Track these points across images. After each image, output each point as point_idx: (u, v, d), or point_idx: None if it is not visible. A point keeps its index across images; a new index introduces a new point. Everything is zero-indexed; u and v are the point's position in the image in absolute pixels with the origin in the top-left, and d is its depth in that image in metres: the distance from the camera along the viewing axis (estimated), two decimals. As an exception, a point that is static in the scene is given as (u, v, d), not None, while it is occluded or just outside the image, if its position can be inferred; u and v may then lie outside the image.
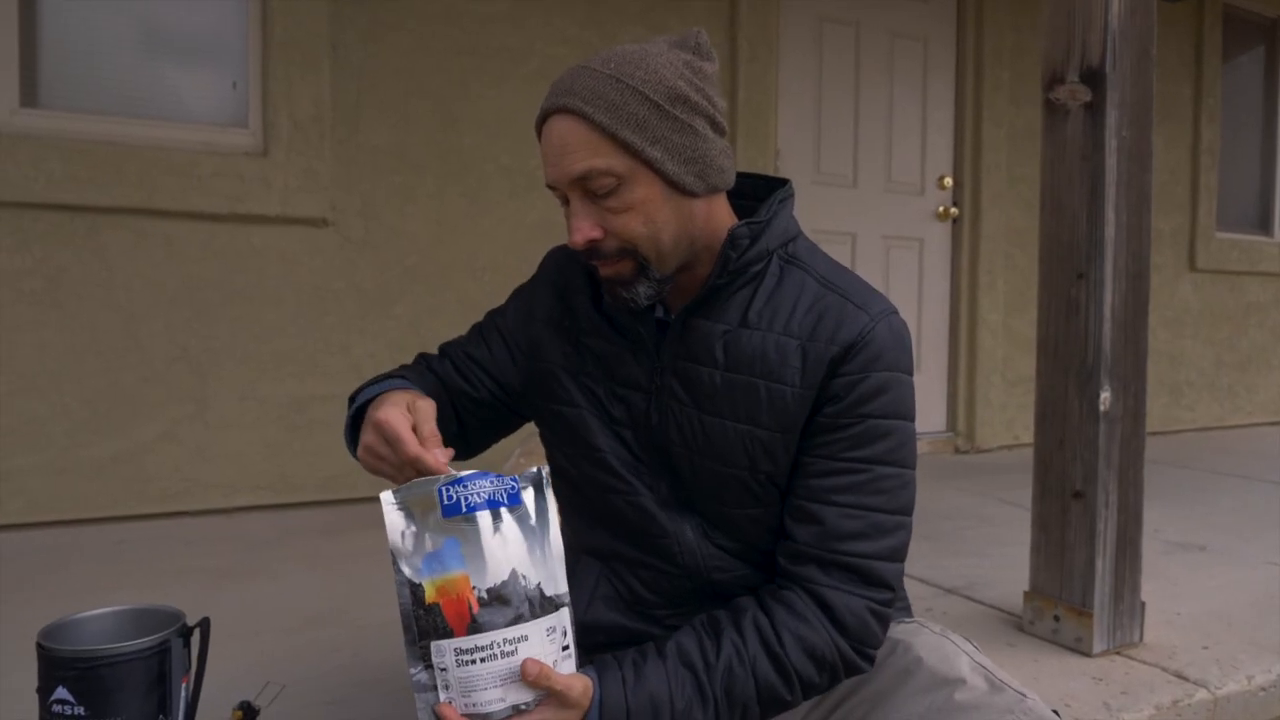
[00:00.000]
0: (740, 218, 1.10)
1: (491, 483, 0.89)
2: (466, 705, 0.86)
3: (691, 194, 1.02)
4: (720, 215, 1.08)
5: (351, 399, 1.12)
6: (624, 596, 1.15)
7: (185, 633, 1.16)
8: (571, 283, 1.18)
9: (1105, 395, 1.85)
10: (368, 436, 0.96)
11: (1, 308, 2.69)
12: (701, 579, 1.11)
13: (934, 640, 1.09)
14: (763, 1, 3.74)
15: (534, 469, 0.94)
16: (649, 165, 0.98)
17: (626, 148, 0.97)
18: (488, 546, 0.86)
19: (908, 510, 1.05)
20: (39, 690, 1.09)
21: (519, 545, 0.88)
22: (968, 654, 1.07)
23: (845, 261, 4.11)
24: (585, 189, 0.99)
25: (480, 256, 3.30)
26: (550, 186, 1.03)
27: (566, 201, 1.03)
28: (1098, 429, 1.86)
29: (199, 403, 2.92)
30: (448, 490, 0.87)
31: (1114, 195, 1.85)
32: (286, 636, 1.90)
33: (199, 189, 2.87)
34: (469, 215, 3.28)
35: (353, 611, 2.06)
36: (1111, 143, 1.84)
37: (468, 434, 1.22)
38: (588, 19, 3.43)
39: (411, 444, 0.92)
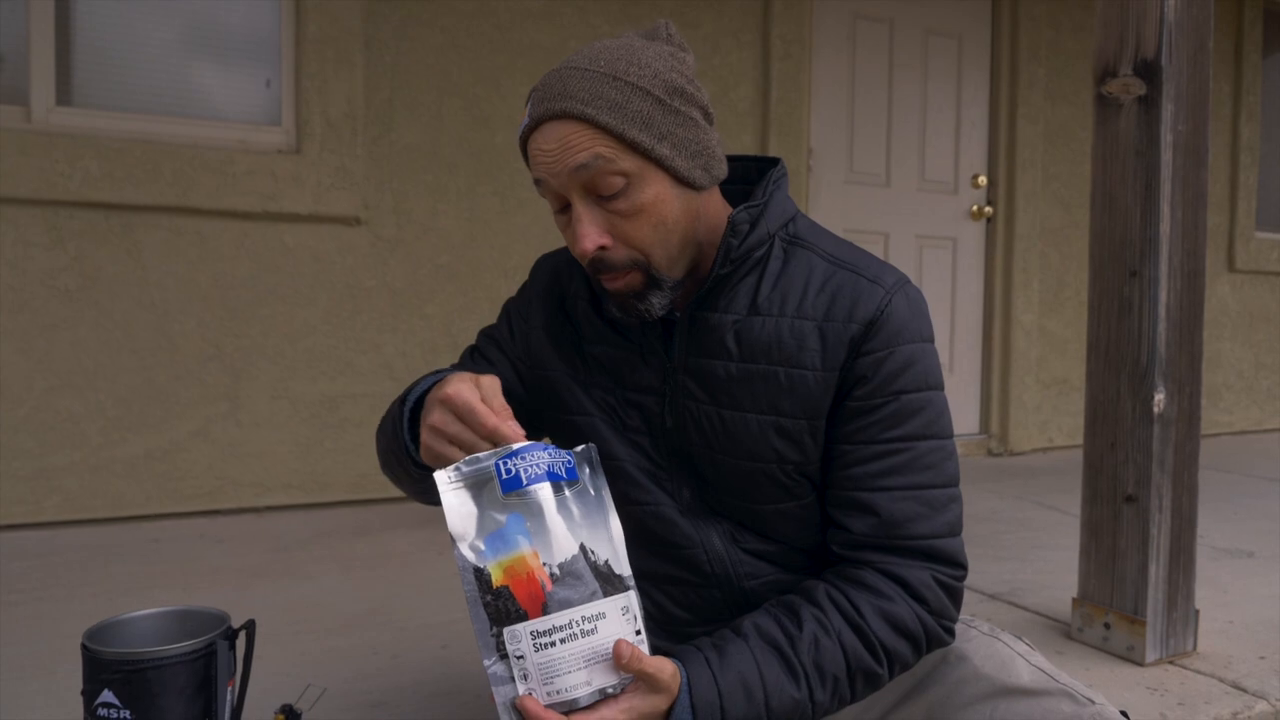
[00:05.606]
0: (733, 203, 1.06)
1: (549, 454, 0.83)
2: (549, 694, 0.79)
3: (698, 188, 0.98)
4: (717, 206, 1.03)
5: (401, 401, 1.03)
6: (654, 616, 1.12)
7: (230, 635, 1.14)
8: (569, 290, 1.13)
9: (1159, 397, 1.80)
10: (434, 416, 0.87)
11: (37, 305, 2.69)
12: (732, 588, 1.07)
13: (985, 643, 1.05)
14: (796, -2, 3.71)
15: (581, 446, 0.87)
16: (658, 163, 0.94)
17: (635, 147, 0.92)
18: (553, 520, 0.81)
19: (956, 481, 1.02)
20: (84, 693, 1.08)
21: (583, 519, 0.83)
22: (1022, 655, 1.03)
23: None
24: (589, 187, 0.93)
25: (512, 255, 3.28)
26: (539, 182, 0.95)
27: (563, 209, 0.97)
28: (1151, 431, 1.81)
29: (232, 401, 2.92)
30: (505, 464, 0.81)
31: (1169, 191, 1.80)
32: (325, 638, 1.88)
33: (233, 187, 2.87)
34: (501, 213, 3.26)
35: (391, 613, 2.04)
36: (1167, 138, 1.79)
37: None
38: (622, 15, 3.40)
39: (488, 415, 0.84)
